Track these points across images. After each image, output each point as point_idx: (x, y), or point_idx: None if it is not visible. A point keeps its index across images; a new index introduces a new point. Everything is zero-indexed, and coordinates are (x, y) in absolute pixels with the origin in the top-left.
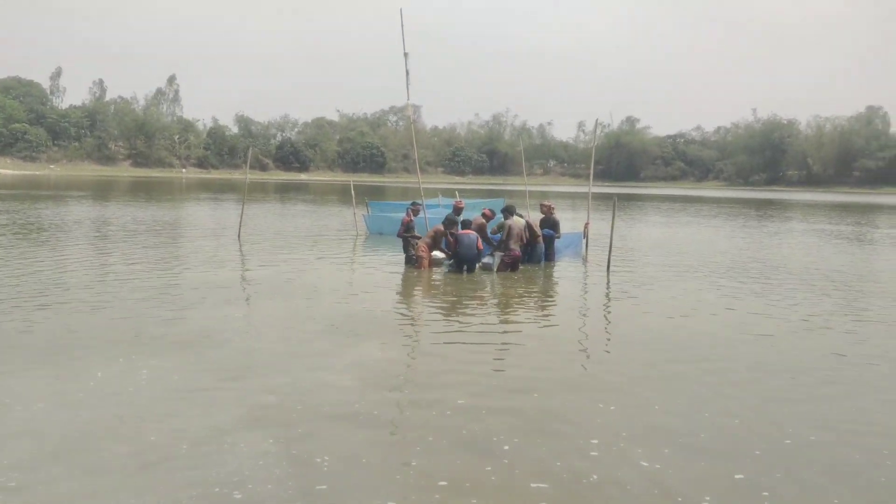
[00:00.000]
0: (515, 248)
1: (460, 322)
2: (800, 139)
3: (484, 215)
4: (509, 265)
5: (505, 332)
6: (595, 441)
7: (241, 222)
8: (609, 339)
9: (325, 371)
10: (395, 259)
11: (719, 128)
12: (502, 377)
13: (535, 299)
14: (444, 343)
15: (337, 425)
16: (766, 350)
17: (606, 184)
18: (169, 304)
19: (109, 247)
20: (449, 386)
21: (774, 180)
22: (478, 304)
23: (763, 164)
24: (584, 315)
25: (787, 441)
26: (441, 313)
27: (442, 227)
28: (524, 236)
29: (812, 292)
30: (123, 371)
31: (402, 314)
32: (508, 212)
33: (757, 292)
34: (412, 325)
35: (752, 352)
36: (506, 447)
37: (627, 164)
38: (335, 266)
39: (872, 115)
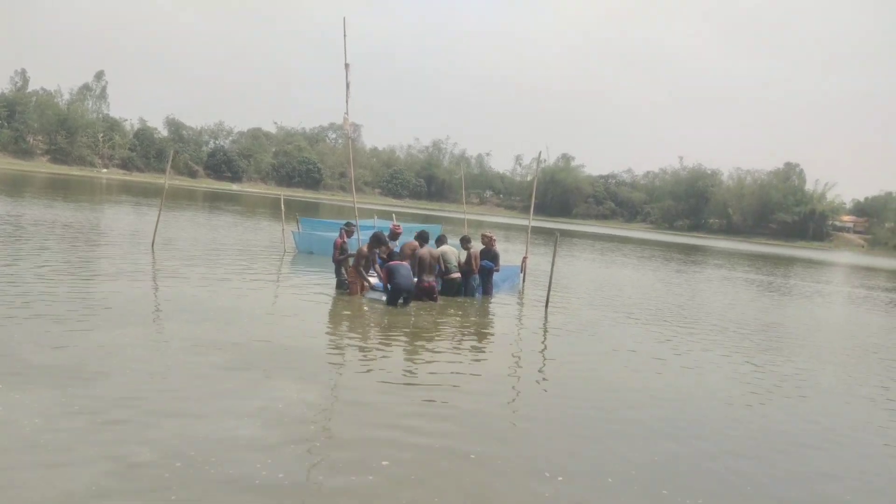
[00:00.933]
0: (428, 278)
1: (390, 360)
2: (722, 189)
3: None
4: (420, 296)
5: (439, 374)
6: None
7: (156, 230)
8: (551, 394)
9: (225, 416)
10: (324, 281)
11: (648, 172)
12: (435, 432)
13: (472, 339)
14: (371, 387)
15: (229, 494)
16: (723, 418)
17: (540, 218)
18: (52, 323)
19: None
20: (373, 441)
21: (697, 226)
22: (410, 342)
23: (687, 210)
24: (524, 363)
25: None
26: (370, 349)
27: (365, 249)
28: (440, 266)
29: (762, 349)
30: None
31: (326, 347)
32: (421, 238)
33: (704, 345)
34: (337, 361)
35: (709, 420)
36: None
37: (561, 200)
38: (256, 286)
39: (790, 171)
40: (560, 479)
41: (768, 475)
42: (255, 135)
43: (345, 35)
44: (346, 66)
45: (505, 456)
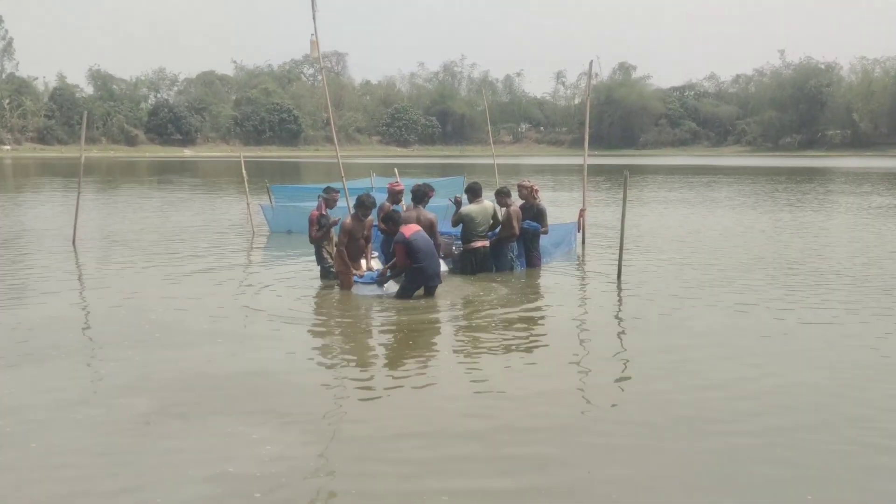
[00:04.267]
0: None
1: (401, 384)
2: (842, 88)
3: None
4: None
5: (475, 397)
6: None
7: (75, 223)
8: (631, 426)
9: (151, 494)
10: (303, 271)
11: (738, 76)
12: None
13: (517, 341)
14: (375, 430)
15: None
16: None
17: (597, 153)
18: None
19: None
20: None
21: (811, 142)
22: (431, 352)
23: (797, 122)
24: (591, 375)
25: None
26: (374, 369)
27: (349, 222)
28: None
29: None
30: None
31: (306, 371)
32: (415, 197)
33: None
34: (324, 391)
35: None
36: None
37: (622, 125)
38: (212, 287)
39: None
40: None
41: None
42: (208, 80)
43: None
44: None
45: None
